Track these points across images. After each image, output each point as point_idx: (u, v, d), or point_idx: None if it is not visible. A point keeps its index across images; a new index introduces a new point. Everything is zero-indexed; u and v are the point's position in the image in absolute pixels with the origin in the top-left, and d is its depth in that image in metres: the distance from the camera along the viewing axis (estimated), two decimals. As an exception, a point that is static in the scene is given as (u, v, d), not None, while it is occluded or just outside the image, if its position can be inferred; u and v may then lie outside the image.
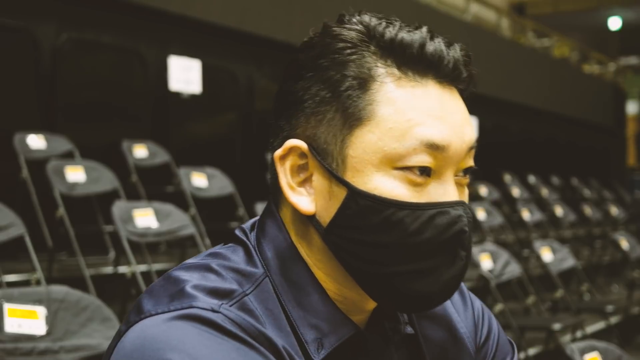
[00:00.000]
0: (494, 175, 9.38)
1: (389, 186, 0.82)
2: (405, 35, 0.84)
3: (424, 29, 0.85)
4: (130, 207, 3.91)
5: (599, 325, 5.78)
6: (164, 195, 5.24)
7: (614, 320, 5.75)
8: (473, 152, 0.87)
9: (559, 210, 8.81)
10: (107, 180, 4.70)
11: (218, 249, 0.91)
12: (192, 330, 0.78)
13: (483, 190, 8.43)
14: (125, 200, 4.53)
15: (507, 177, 9.71)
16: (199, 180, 5.30)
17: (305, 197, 0.86)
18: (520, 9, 16.61)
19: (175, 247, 5.38)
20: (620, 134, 16.09)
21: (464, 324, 1.00)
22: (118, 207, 3.86)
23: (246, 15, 6.79)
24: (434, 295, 0.85)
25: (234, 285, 0.84)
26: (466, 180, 0.88)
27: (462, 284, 1.04)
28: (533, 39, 13.63)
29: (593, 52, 15.85)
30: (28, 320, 1.87)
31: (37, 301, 1.89)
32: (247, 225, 0.93)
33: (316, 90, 0.85)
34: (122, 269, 4.25)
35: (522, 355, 4.68)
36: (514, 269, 4.90)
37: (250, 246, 0.89)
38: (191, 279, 0.84)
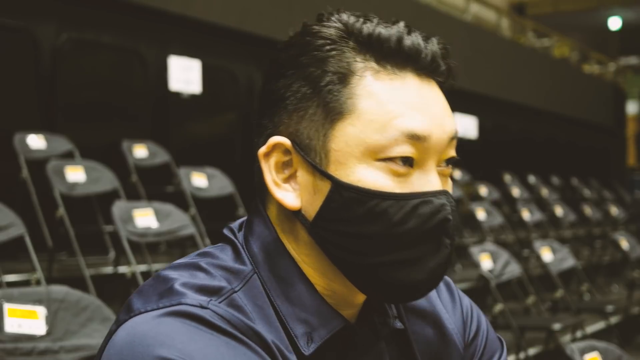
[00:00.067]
0: (494, 175, 9.38)
1: (372, 178, 0.83)
2: (382, 30, 0.85)
3: (401, 24, 0.87)
4: (130, 207, 3.91)
5: (599, 325, 5.78)
6: (164, 195, 5.24)
7: (614, 320, 5.75)
8: (455, 142, 0.88)
9: (559, 210, 8.81)
10: (107, 180, 4.70)
11: (207, 248, 0.92)
12: (181, 326, 0.78)
13: (483, 190, 8.43)
14: (125, 200, 4.53)
15: (507, 177, 9.70)
16: (199, 180, 5.30)
17: (290, 193, 0.87)
18: (520, 9, 16.60)
19: (175, 247, 5.38)
20: (620, 134, 16.10)
21: (452, 320, 1.01)
22: (118, 207, 3.86)
23: (246, 15, 6.80)
24: (420, 284, 0.85)
25: (222, 283, 0.84)
26: (449, 170, 0.89)
27: (452, 283, 1.05)
28: (533, 39, 13.63)
29: (593, 52, 15.85)
30: (28, 320, 1.87)
31: (37, 301, 1.89)
32: (235, 224, 0.94)
33: (297, 87, 0.86)
34: (122, 269, 4.25)
35: (522, 355, 4.68)
36: (514, 269, 4.90)
37: (238, 244, 0.90)
38: (180, 277, 0.84)
